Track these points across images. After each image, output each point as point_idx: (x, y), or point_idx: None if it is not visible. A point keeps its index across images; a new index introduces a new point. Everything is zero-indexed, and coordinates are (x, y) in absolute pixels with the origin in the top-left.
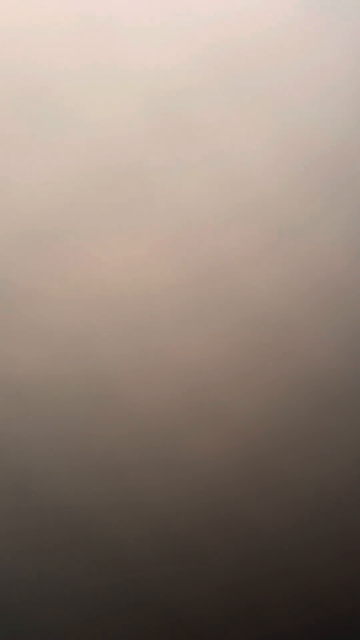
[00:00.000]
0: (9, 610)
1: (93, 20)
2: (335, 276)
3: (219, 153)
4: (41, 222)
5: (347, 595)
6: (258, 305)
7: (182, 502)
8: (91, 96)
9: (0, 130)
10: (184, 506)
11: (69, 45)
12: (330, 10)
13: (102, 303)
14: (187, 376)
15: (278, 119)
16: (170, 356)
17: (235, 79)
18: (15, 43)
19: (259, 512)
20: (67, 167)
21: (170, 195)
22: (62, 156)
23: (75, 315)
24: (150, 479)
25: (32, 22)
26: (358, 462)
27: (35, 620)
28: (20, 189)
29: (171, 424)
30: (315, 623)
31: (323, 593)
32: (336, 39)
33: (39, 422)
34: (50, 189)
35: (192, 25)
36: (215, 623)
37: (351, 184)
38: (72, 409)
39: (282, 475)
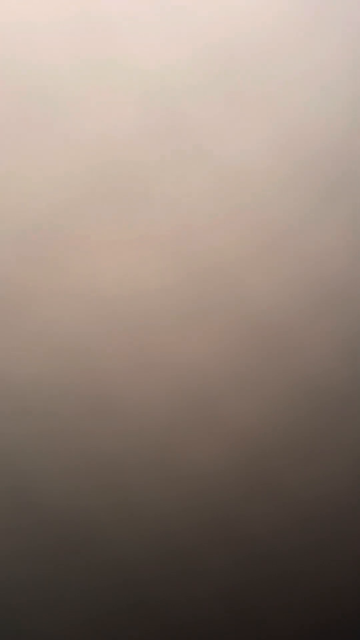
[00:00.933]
0: (9, 611)
1: (92, 20)
2: (335, 276)
3: (217, 152)
4: (40, 222)
5: (347, 598)
6: (257, 305)
7: (181, 503)
8: (90, 96)
9: (0, 130)
10: (183, 507)
11: (67, 45)
12: (327, 10)
13: (102, 302)
14: (186, 376)
15: (277, 118)
16: (169, 356)
17: (234, 79)
18: (14, 43)
19: (258, 513)
20: (66, 167)
21: (169, 194)
22: (61, 156)
23: (74, 315)
24: (150, 480)
25: (31, 22)
26: (358, 463)
27: (35, 621)
28: (19, 189)
29: (170, 424)
30: (315, 625)
31: (322, 595)
32: (334, 38)
33: (37, 421)
34: (49, 188)
35: (190, 25)
36: (214, 624)
37: (351, 183)
38: (71, 409)
39: (282, 475)
